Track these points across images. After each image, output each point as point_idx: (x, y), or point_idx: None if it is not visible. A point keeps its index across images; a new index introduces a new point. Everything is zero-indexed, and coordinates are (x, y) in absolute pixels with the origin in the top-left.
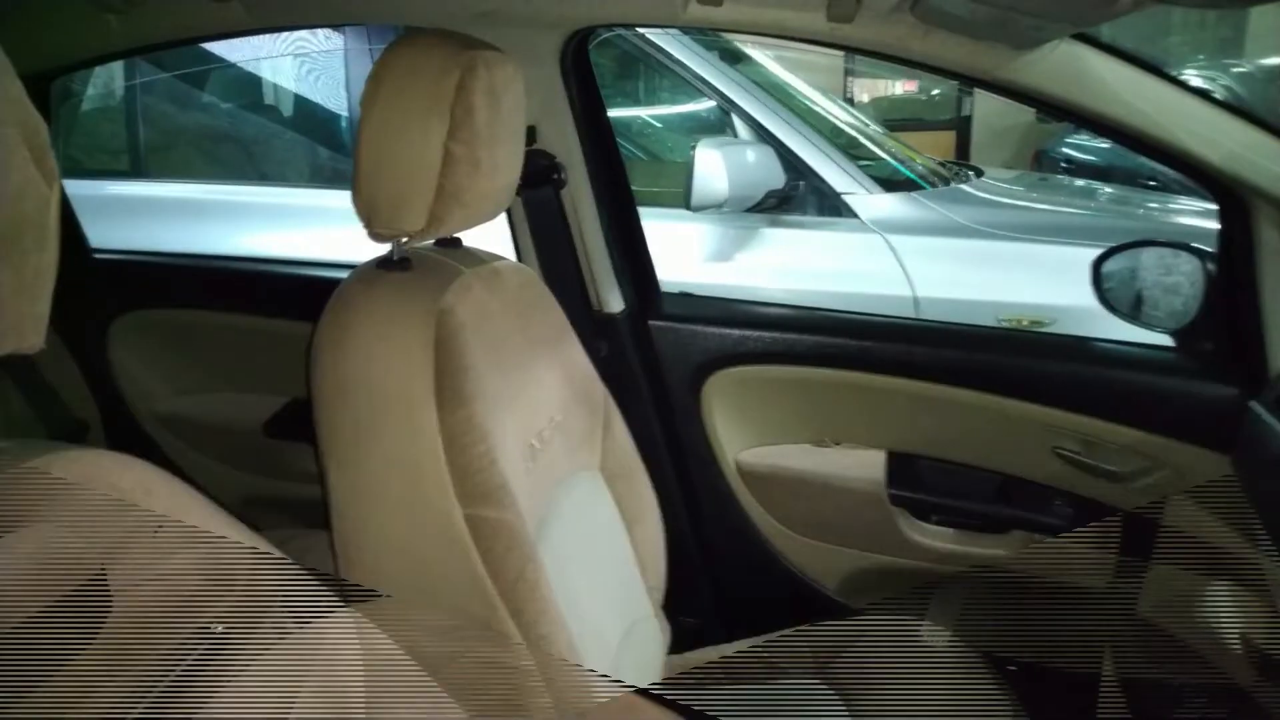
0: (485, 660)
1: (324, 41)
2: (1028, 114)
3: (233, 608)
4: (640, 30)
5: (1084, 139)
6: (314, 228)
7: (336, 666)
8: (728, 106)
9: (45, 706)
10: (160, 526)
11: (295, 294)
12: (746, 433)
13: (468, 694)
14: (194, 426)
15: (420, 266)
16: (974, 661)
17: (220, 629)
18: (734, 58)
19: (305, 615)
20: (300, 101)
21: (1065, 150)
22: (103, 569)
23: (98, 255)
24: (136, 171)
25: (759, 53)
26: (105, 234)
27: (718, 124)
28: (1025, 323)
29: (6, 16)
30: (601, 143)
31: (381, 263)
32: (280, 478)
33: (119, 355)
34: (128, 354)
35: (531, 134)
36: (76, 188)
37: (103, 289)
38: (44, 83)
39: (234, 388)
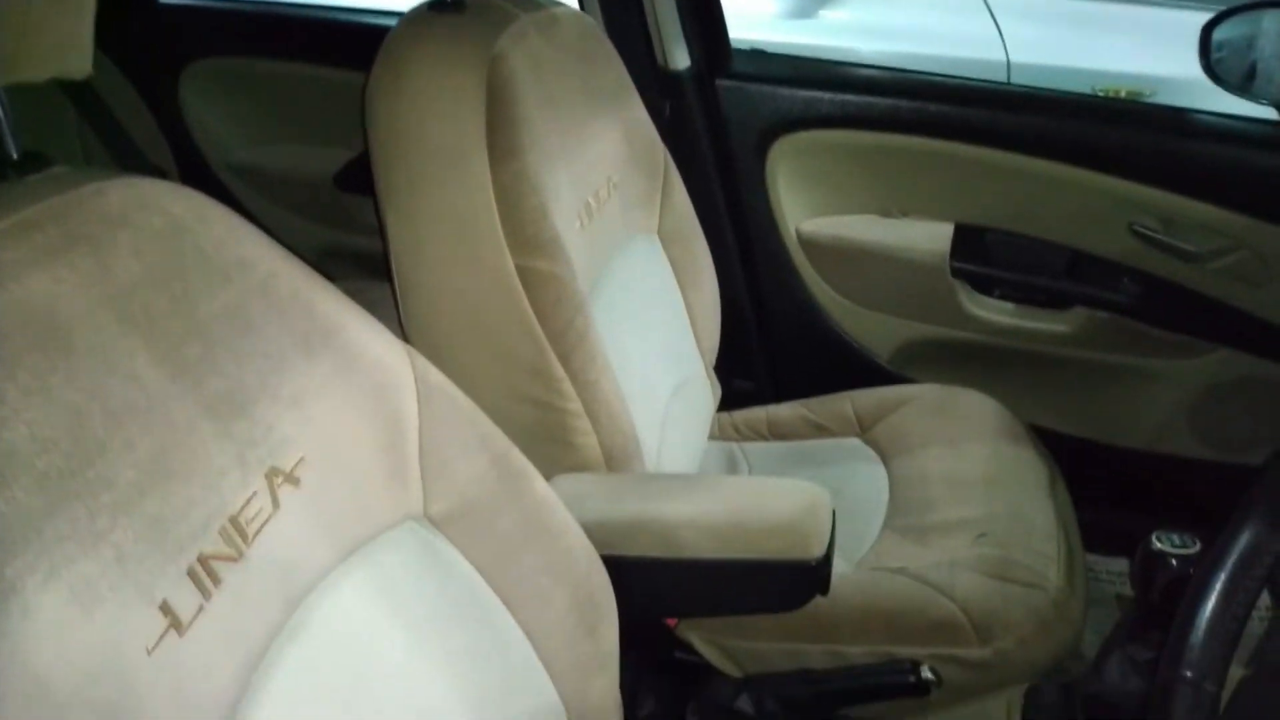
0: (533, 398)
1: None
2: None
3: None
4: None
5: None
6: None
7: (389, 392)
8: None
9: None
10: (214, 252)
11: (365, 41)
12: (811, 201)
13: (517, 429)
14: (267, 177)
15: (474, 9)
16: (1019, 433)
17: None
18: None
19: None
20: None
21: None
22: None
23: (163, 1)
24: None
25: None
26: None
27: None
28: (1123, 94)
29: None
30: None
31: (433, 4)
32: (353, 231)
33: (190, 103)
34: (199, 102)
35: None
36: None
37: (170, 35)
38: None
39: (305, 139)
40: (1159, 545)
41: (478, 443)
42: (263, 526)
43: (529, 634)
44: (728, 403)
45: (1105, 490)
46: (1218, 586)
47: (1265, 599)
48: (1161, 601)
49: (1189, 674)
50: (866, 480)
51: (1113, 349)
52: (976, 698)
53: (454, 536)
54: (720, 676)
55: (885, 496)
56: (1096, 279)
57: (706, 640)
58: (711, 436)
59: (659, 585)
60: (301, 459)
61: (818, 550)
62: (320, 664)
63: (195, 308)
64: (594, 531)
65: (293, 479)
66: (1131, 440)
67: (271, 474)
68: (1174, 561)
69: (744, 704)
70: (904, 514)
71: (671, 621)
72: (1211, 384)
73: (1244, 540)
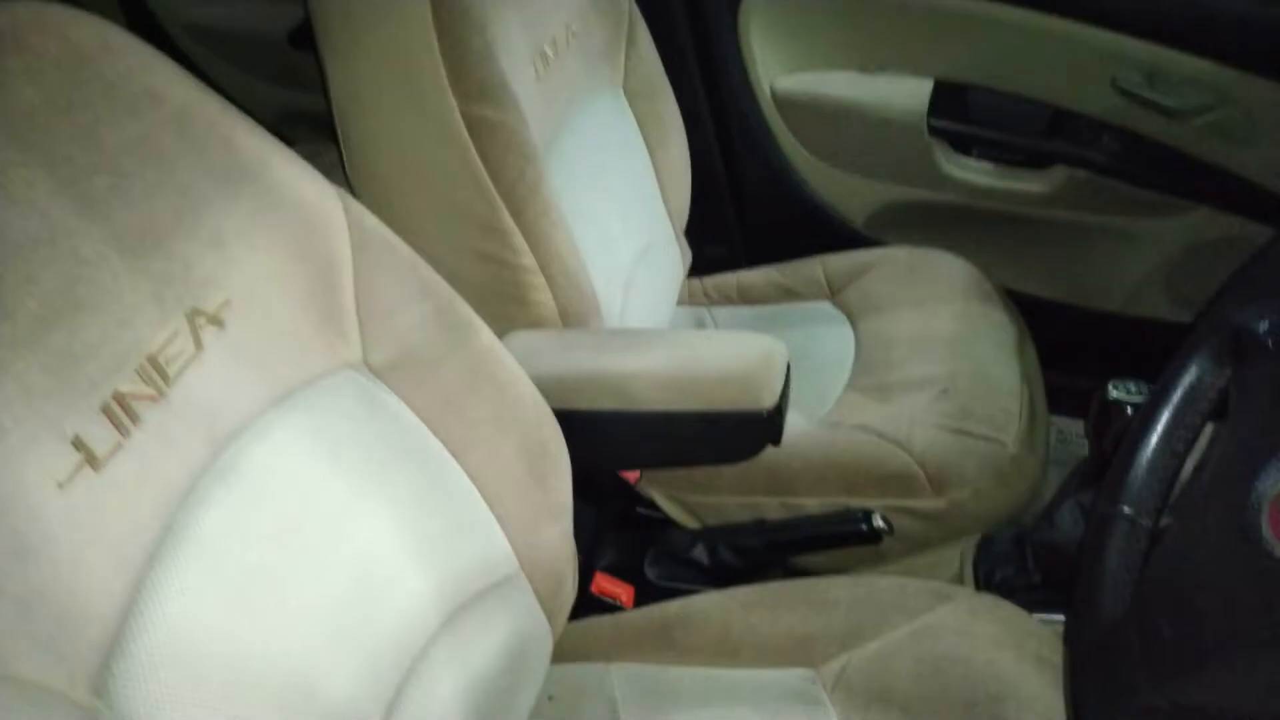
0: (485, 254)
1: None
2: None
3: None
4: None
5: None
6: None
7: (319, 234)
8: None
9: None
10: (120, 82)
11: None
12: (786, 56)
13: (469, 286)
14: (221, 35)
15: None
16: (989, 294)
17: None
18: None
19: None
20: None
21: None
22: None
23: None
24: None
25: None
26: None
27: None
28: None
29: None
30: None
31: None
32: (311, 91)
33: None
34: None
35: None
36: None
37: None
38: None
39: None
40: (1115, 394)
41: (419, 291)
42: (185, 367)
43: (477, 482)
44: (699, 268)
45: (1077, 354)
46: (1158, 423)
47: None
48: (1115, 449)
49: (1126, 509)
50: (833, 341)
51: (1091, 209)
52: (930, 549)
53: (396, 386)
54: (679, 529)
55: (851, 357)
56: (1077, 137)
57: (667, 495)
58: (681, 302)
59: (613, 438)
60: (226, 301)
61: (769, 400)
62: (251, 506)
63: (101, 139)
64: (546, 385)
65: (216, 320)
66: (1106, 303)
67: (193, 314)
68: (1128, 409)
69: (698, 554)
70: (868, 373)
71: (632, 477)
72: (1190, 244)
73: (1186, 378)
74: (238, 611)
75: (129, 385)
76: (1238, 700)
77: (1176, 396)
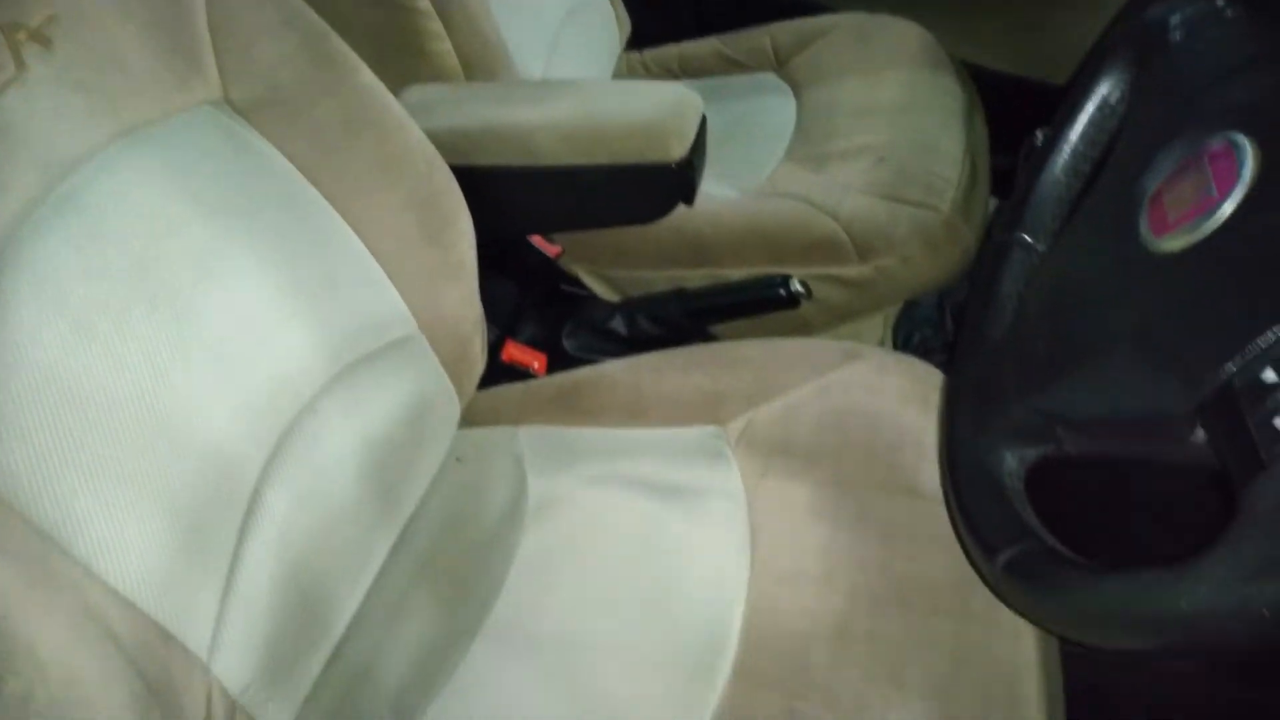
0: None
1: None
2: None
3: None
4: None
5: None
6: None
7: None
8: None
9: None
10: None
11: None
12: None
13: (362, 36)
14: None
15: None
16: (941, 61)
17: None
18: None
19: None
20: None
21: None
22: None
23: None
24: None
25: None
26: None
27: None
28: None
29: None
30: None
31: None
32: None
33: None
34: None
35: None
36: None
37: None
38: None
39: None
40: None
41: (282, 21)
42: (4, 88)
43: (362, 235)
44: (641, 41)
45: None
46: (1063, 143)
47: None
48: None
49: (1025, 236)
50: (774, 113)
51: None
52: (855, 318)
53: (263, 126)
54: (598, 302)
55: (790, 128)
56: None
57: (591, 271)
58: (616, 75)
59: (516, 197)
60: (51, 17)
61: (678, 151)
62: (95, 239)
63: None
64: (442, 139)
65: (41, 38)
66: (1062, 79)
67: (10, 28)
68: None
69: (617, 325)
70: (806, 143)
71: (554, 251)
72: None
73: (1094, 91)
74: (85, 346)
75: None
76: (1097, 403)
77: (1083, 113)
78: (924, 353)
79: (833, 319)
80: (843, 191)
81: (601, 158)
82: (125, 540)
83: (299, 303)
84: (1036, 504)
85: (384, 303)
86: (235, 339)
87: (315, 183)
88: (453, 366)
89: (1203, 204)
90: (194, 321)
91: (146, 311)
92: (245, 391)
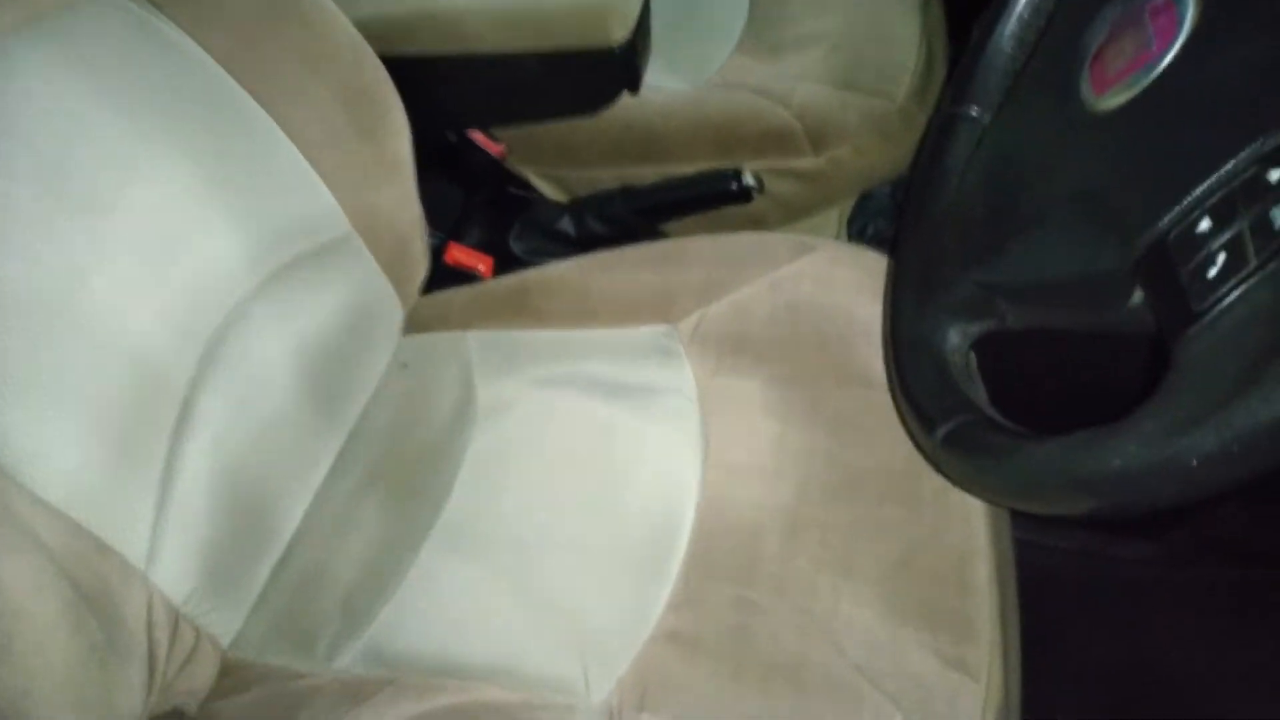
0: None
1: None
2: None
3: None
4: None
5: None
6: None
7: None
8: None
9: None
10: None
11: None
12: None
13: None
14: None
15: None
16: None
17: None
18: None
19: None
20: None
21: None
22: None
23: None
24: None
25: None
26: None
27: None
28: None
29: None
30: None
31: None
32: None
33: None
34: None
35: None
36: None
37: None
38: None
39: None
40: None
41: None
42: None
43: (288, 131)
44: None
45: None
46: (1010, 11)
47: None
48: None
49: (972, 110)
50: (724, 3)
51: None
52: (810, 213)
53: (178, 17)
54: (546, 202)
55: (743, 19)
56: None
57: (538, 171)
58: None
59: (452, 88)
60: None
61: (620, 33)
62: None
63: None
64: (371, 28)
65: None
66: None
67: None
68: None
69: (565, 225)
70: (758, 34)
71: (498, 150)
72: None
73: None
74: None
75: None
76: (1037, 269)
77: None
78: (878, 244)
79: (787, 215)
80: (795, 81)
81: (538, 42)
82: (50, 450)
83: (223, 202)
84: (987, 382)
85: (315, 202)
86: (156, 240)
87: (236, 76)
88: (392, 269)
89: (1141, 58)
90: (112, 222)
91: (59, 212)
92: (169, 293)
